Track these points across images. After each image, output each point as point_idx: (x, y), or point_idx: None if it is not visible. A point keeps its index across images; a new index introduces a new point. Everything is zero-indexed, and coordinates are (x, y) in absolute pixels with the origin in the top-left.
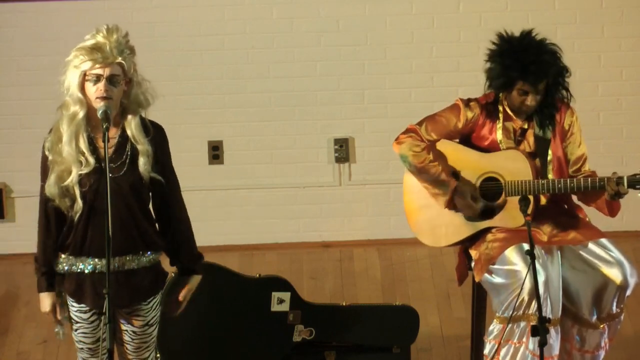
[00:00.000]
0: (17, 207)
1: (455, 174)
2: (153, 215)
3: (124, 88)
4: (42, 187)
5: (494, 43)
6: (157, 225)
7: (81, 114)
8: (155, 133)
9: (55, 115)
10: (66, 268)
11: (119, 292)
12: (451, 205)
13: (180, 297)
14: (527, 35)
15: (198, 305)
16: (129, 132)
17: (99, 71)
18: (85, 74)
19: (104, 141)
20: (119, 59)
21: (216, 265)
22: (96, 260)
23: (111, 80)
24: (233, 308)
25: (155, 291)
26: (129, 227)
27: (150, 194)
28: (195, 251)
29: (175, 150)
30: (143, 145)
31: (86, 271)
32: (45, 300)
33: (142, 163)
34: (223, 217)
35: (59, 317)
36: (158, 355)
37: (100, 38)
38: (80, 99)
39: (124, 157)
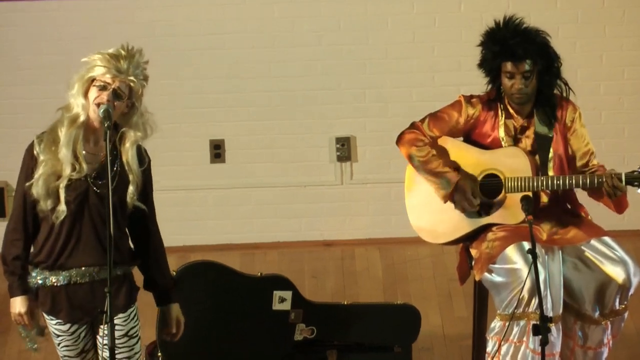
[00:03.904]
0: None
1: (457, 169)
2: (127, 234)
3: (124, 110)
4: (21, 187)
5: (484, 33)
6: (133, 246)
7: (82, 118)
8: (147, 163)
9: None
10: (40, 282)
11: (95, 302)
12: (451, 198)
13: (174, 330)
14: (509, 19)
15: (199, 304)
16: (124, 158)
17: (108, 80)
18: (93, 80)
19: (105, 140)
20: (131, 78)
21: (217, 264)
22: (72, 271)
23: (116, 93)
24: (234, 307)
25: (132, 301)
26: (103, 240)
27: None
28: (170, 276)
29: (177, 150)
30: (135, 175)
31: (59, 284)
32: (21, 303)
33: (131, 192)
34: (224, 215)
35: (32, 321)
36: (159, 354)
37: (122, 52)
38: (83, 104)
39: (111, 175)
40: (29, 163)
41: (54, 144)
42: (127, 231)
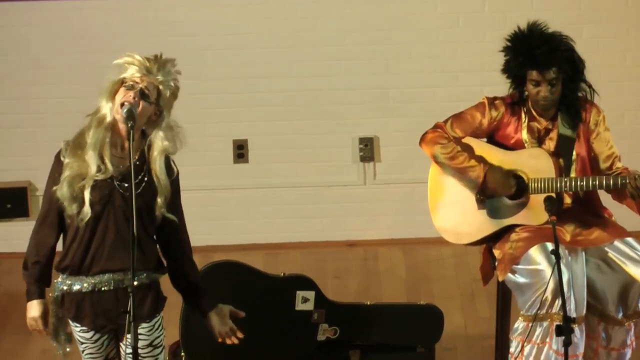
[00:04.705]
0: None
1: (482, 161)
2: (155, 241)
3: (151, 116)
4: (48, 192)
5: (507, 40)
6: (162, 257)
7: (108, 119)
8: (176, 174)
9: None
10: (65, 288)
11: (119, 310)
12: (482, 190)
13: (230, 327)
14: (532, 25)
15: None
16: (152, 168)
17: (137, 79)
18: (123, 81)
19: (128, 139)
20: (159, 79)
21: (240, 264)
22: (96, 278)
23: (142, 92)
24: (257, 307)
25: (157, 310)
26: (128, 244)
27: (159, 229)
28: (204, 287)
29: (200, 149)
30: (164, 187)
31: (84, 290)
32: (36, 307)
33: (159, 203)
34: (248, 215)
35: (47, 327)
36: (183, 354)
37: (152, 57)
38: (110, 106)
39: (137, 180)
40: (56, 168)
41: (79, 148)
42: (157, 241)
